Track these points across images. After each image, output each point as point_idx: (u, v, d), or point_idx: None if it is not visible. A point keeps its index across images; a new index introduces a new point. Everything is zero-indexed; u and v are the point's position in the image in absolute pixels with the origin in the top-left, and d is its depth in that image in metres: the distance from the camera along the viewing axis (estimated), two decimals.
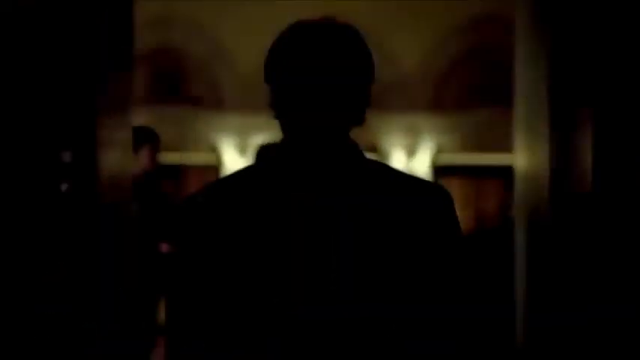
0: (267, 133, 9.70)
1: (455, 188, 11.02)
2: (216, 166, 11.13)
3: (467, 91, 11.34)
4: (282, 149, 1.73)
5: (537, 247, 3.80)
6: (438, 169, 11.49)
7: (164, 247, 4.96)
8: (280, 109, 1.71)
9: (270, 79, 1.72)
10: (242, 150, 10.90)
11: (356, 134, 1.75)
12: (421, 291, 1.68)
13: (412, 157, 11.42)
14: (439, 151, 11.45)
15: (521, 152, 4.12)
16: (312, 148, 1.69)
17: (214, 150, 11.37)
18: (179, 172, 11.08)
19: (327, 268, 1.64)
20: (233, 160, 11.20)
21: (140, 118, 8.64)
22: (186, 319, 1.68)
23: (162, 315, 5.14)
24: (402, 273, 1.66)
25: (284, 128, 1.74)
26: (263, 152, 4.70)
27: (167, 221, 4.97)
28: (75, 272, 3.39)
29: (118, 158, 3.80)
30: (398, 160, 11.21)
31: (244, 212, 1.66)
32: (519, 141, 4.18)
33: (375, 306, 1.65)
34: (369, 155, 1.77)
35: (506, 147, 10.42)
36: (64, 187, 3.16)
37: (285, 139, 1.74)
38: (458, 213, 1.74)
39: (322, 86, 1.66)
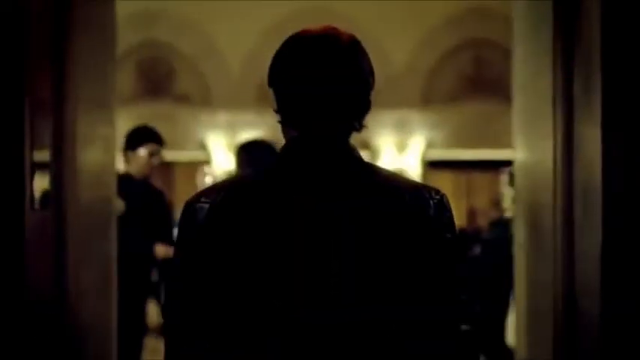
0: (255, 130, 9.74)
1: (445, 183, 11.07)
2: (206, 163, 11.13)
3: (456, 87, 11.37)
4: (285, 155, 1.76)
5: (539, 245, 3.73)
6: (429, 165, 11.56)
7: (160, 249, 4.92)
8: (284, 115, 1.76)
9: (275, 85, 1.77)
10: (231, 147, 10.85)
11: None
12: (421, 293, 1.68)
13: (403, 152, 11.46)
14: (429, 146, 11.50)
15: (522, 147, 4.05)
16: (314, 154, 1.73)
17: (203, 147, 11.39)
18: (168, 169, 11.09)
19: (329, 272, 1.66)
20: (222, 157, 11.20)
21: (129, 115, 8.62)
22: (188, 319, 1.69)
23: (151, 316, 5.13)
24: (403, 276, 1.67)
25: (287, 133, 1.78)
26: (247, 150, 4.64)
27: (164, 222, 4.99)
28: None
29: (99, 155, 3.73)
30: (388, 156, 11.23)
31: (247, 215, 1.69)
32: (520, 135, 4.10)
33: (376, 309, 1.66)
34: (361, 152, 1.80)
35: (496, 142, 10.52)
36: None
37: (287, 145, 1.77)
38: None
39: (325, 95, 1.72)
